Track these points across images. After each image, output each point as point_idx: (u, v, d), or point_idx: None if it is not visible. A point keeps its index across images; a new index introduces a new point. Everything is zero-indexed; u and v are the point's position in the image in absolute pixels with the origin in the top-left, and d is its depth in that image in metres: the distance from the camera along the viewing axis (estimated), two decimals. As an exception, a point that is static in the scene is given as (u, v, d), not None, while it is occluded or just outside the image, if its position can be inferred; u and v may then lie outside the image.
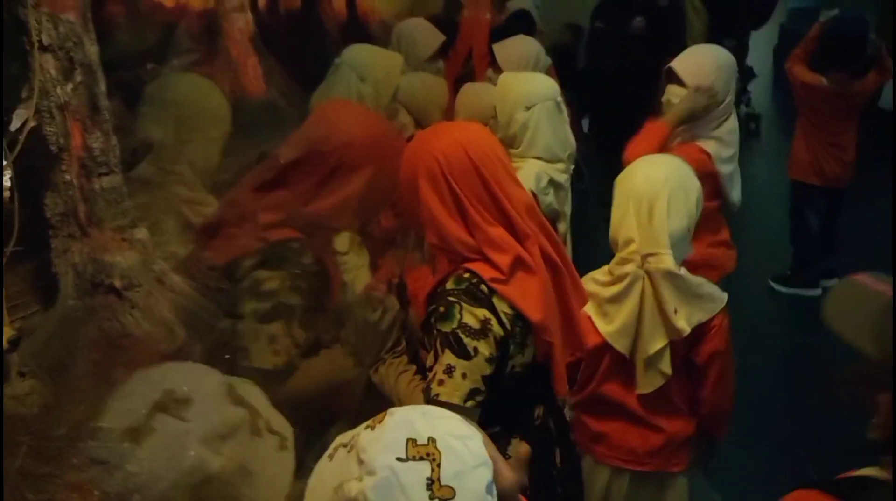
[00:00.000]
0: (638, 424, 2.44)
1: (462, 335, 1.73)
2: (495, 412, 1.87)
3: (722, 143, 2.71)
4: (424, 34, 3.33)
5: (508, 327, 1.78)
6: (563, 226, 2.83)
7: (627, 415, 2.43)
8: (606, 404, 2.46)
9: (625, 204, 2.28)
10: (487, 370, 1.76)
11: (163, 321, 2.63)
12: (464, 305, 1.75)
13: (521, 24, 4.15)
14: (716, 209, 2.61)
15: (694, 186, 2.29)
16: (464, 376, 1.73)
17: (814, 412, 3.78)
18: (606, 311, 2.31)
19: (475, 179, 1.77)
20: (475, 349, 1.73)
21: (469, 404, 1.74)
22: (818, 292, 4.61)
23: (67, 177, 2.49)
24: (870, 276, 1.55)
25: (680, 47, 3.59)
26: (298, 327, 2.05)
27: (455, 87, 3.64)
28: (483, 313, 1.75)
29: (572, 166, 2.81)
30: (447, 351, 1.74)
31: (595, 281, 2.37)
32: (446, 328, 1.75)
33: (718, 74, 2.71)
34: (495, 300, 1.78)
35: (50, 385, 2.35)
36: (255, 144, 4.06)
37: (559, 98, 2.74)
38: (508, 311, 1.78)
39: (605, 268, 2.41)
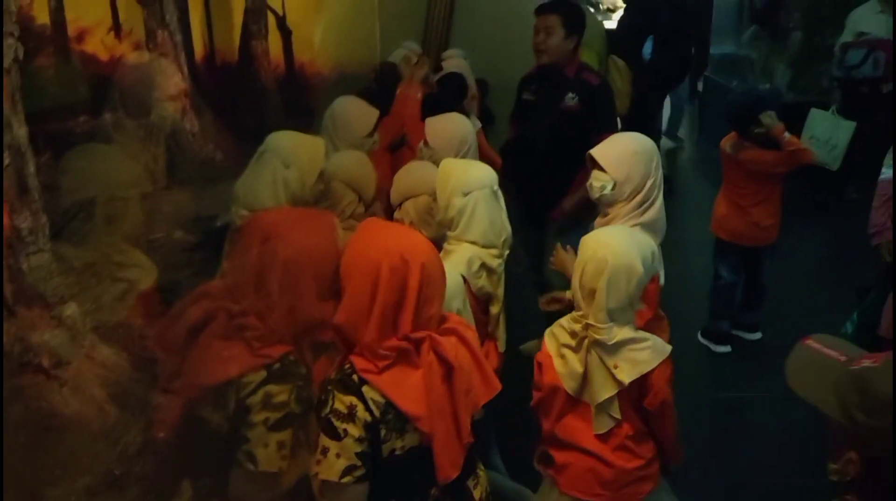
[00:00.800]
0: (595, 458, 2.59)
1: (332, 419, 1.91)
2: (389, 490, 2.03)
3: (649, 228, 2.84)
4: (360, 113, 3.39)
5: (377, 413, 1.93)
6: (495, 308, 2.91)
7: (583, 450, 2.58)
8: (564, 438, 2.60)
9: (578, 271, 2.44)
10: (359, 448, 1.92)
11: (93, 399, 2.62)
12: (336, 393, 1.93)
13: (452, 88, 4.26)
14: (649, 291, 2.76)
15: (636, 269, 2.43)
16: (337, 455, 1.90)
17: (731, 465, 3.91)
18: (563, 353, 2.51)
19: (403, 295, 1.89)
20: (345, 431, 1.90)
21: (346, 479, 1.91)
22: (727, 348, 4.71)
23: (-5, 257, 2.47)
24: (820, 340, 1.61)
25: (611, 124, 3.72)
26: (301, 429, 2.16)
27: (390, 155, 3.74)
28: (350, 399, 1.92)
29: (507, 252, 2.90)
30: (322, 434, 1.93)
31: (559, 324, 2.53)
32: (322, 414, 1.94)
33: (635, 160, 2.87)
34: (365, 389, 1.93)
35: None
36: (193, 199, 4.09)
37: (496, 187, 2.84)
38: (379, 399, 1.93)
39: (572, 314, 2.55)
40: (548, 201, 3.88)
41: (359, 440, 1.91)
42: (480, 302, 2.90)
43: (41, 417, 2.53)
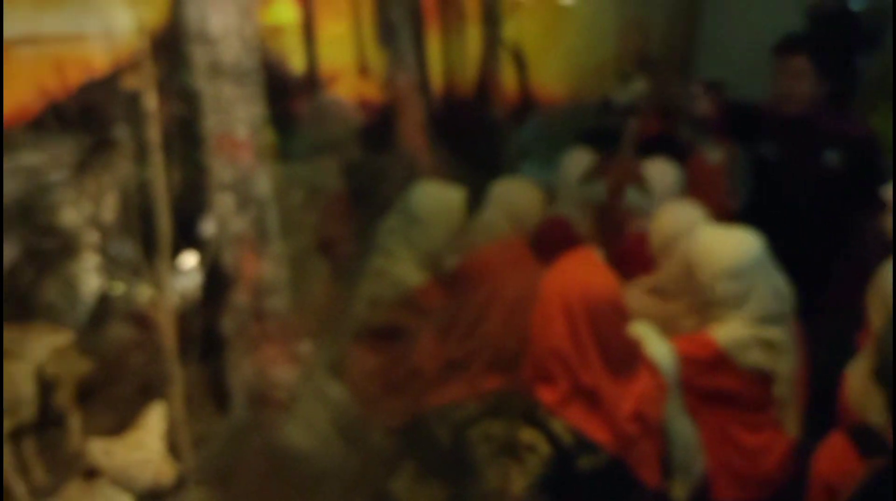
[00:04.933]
0: None
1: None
2: None
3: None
4: (579, 159, 3.30)
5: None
6: (780, 388, 2.46)
7: None
8: None
9: None
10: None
11: (323, 435, 2.77)
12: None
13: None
14: None
15: None
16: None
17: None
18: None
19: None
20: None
21: None
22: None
23: (242, 299, 2.70)
24: None
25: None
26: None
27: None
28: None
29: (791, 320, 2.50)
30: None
31: None
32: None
33: None
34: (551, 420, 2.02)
35: (216, 497, 2.55)
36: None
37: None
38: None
39: None
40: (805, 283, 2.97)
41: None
42: (754, 382, 2.52)
43: (276, 448, 2.72)
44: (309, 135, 4.16)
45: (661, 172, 3.05)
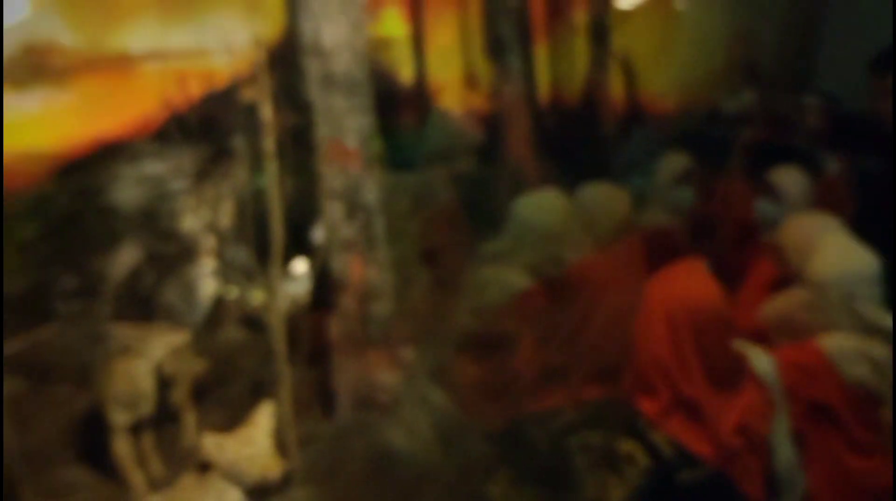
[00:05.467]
0: None
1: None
2: None
3: None
4: (673, 162, 3.21)
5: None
6: (887, 411, 2.27)
7: None
8: None
9: None
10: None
11: (424, 440, 2.79)
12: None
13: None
14: None
15: None
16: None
17: None
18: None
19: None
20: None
21: None
22: None
23: (348, 303, 2.76)
24: None
25: None
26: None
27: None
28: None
29: None
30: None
31: None
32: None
33: None
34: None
35: (321, 495, 2.61)
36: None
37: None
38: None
39: None
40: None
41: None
42: (860, 400, 2.36)
43: (378, 450, 2.76)
44: (424, 145, 4.23)
45: (792, 181, 2.91)
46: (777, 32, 5.36)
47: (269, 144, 2.55)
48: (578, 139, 4.75)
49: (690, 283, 2.14)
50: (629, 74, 5.13)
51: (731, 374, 2.07)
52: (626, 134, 4.96)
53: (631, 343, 2.05)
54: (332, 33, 2.53)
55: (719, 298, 2.11)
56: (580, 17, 4.98)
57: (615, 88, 4.98)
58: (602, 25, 4.87)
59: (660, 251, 2.59)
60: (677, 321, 2.03)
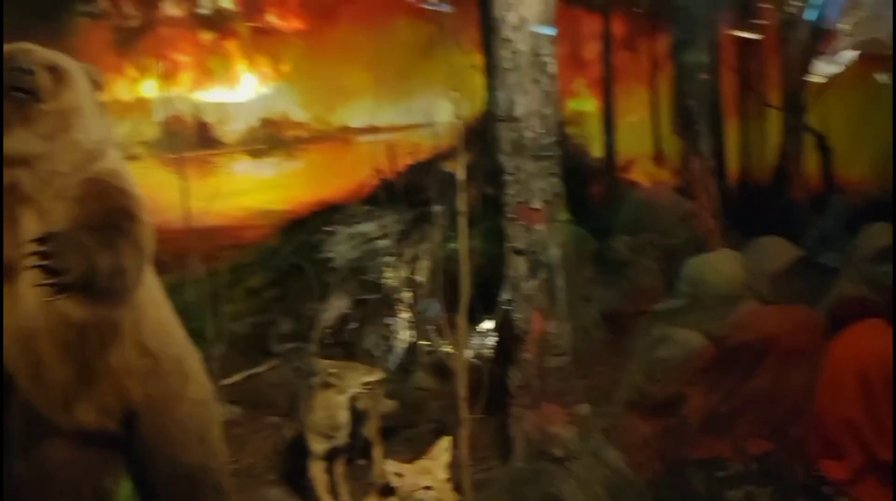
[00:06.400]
0: None
1: None
2: None
3: None
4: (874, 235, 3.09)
5: None
6: None
7: None
8: None
9: None
10: None
11: (594, 495, 2.85)
12: None
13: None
14: None
15: None
16: None
17: None
18: None
19: None
20: None
21: None
22: None
23: (527, 356, 2.92)
24: None
25: None
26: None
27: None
28: None
29: None
30: None
31: None
32: None
33: None
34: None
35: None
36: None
37: None
38: None
39: None
40: None
41: None
42: None
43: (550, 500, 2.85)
44: (618, 215, 4.36)
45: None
46: None
47: (462, 208, 2.79)
48: (768, 213, 4.65)
49: (882, 341, 2.07)
50: (825, 148, 4.98)
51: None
52: (820, 208, 4.80)
53: (805, 402, 2.02)
54: (525, 103, 2.78)
55: None
56: (774, 92, 4.94)
57: (809, 162, 4.86)
58: (797, 100, 4.80)
59: (846, 318, 2.54)
60: (871, 380, 1.97)
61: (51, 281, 1.68)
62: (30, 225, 1.90)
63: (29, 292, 1.91)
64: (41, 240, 1.68)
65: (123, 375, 2.10)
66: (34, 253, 1.65)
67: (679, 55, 4.40)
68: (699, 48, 4.42)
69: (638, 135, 4.86)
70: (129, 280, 1.92)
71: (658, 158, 4.84)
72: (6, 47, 1.91)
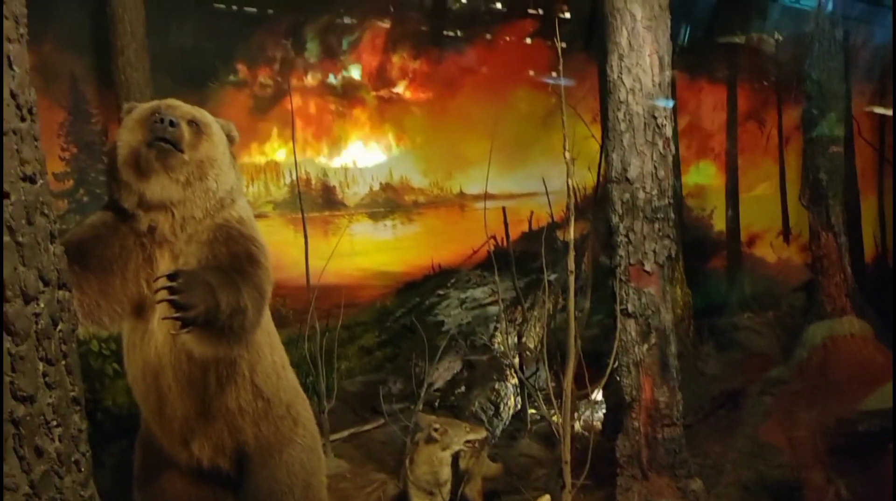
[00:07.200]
0: None
1: None
2: None
3: None
4: None
5: None
6: None
7: None
8: None
9: None
10: None
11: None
12: None
13: None
14: None
15: None
16: None
17: None
18: None
19: None
20: None
21: None
22: None
23: (636, 424, 2.84)
24: None
25: None
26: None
27: None
28: None
29: None
30: None
31: None
32: None
33: None
34: None
35: None
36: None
37: None
38: None
39: None
40: None
41: None
42: None
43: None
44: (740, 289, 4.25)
45: None
46: None
47: (572, 280, 2.78)
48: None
49: None
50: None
51: None
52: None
53: None
54: (638, 164, 2.78)
55: None
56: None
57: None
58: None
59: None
60: None
61: (178, 315, 1.79)
62: (164, 265, 2.04)
63: (159, 330, 2.04)
64: (171, 276, 1.81)
65: (238, 415, 2.19)
66: (164, 288, 1.78)
67: (810, 127, 4.27)
68: (831, 121, 4.28)
69: (764, 209, 4.71)
70: (249, 321, 2.02)
71: (785, 233, 4.65)
72: (154, 103, 2.10)
